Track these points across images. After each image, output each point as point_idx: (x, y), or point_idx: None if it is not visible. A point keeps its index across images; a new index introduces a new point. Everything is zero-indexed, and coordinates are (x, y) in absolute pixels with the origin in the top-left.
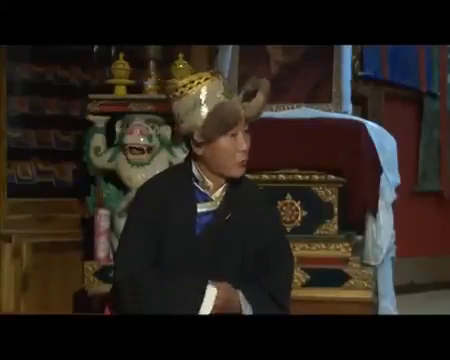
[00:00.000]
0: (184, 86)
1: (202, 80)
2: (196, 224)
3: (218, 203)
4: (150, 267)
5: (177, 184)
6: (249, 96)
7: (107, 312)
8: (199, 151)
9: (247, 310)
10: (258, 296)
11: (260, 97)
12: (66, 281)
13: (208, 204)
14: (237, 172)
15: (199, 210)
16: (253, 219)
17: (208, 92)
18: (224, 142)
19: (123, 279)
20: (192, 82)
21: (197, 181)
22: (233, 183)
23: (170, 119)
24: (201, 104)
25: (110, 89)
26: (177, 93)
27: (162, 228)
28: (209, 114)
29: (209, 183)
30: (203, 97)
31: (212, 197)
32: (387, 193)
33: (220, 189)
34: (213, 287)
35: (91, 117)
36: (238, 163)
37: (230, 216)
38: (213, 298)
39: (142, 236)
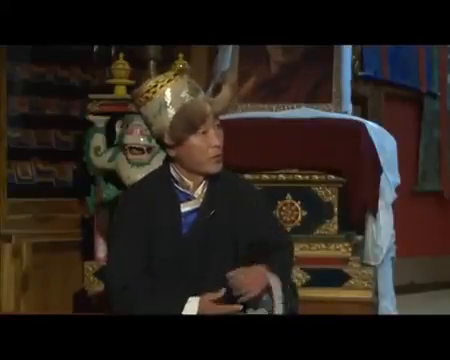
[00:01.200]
0: (148, 91)
1: (165, 82)
2: (182, 224)
3: (201, 200)
4: (141, 276)
5: (158, 187)
6: (217, 90)
7: None
8: (172, 152)
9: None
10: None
11: (225, 91)
12: (66, 281)
13: (191, 203)
14: (213, 168)
15: (183, 209)
16: (240, 209)
17: (172, 93)
18: (195, 140)
19: (115, 288)
20: (155, 85)
21: (177, 182)
22: (213, 178)
23: None
24: (167, 106)
25: (110, 89)
26: (142, 98)
27: (149, 232)
28: (175, 116)
29: (188, 182)
30: (168, 99)
31: (194, 195)
32: (387, 193)
33: (201, 186)
34: (194, 301)
35: (91, 117)
36: (212, 159)
37: (215, 211)
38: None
39: (131, 243)
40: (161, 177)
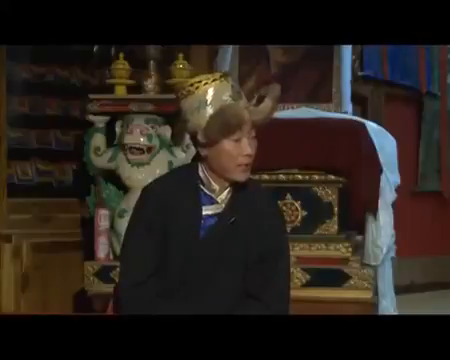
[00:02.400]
0: (192, 85)
1: (210, 81)
2: (201, 226)
3: (223, 206)
4: (153, 276)
5: (183, 185)
6: (260, 101)
7: (110, 308)
8: (204, 151)
9: None
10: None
11: (268, 102)
12: (66, 281)
13: (213, 207)
14: (240, 176)
15: (204, 213)
16: (258, 222)
17: (214, 93)
18: (227, 145)
19: (126, 288)
20: (200, 82)
21: (203, 183)
22: (239, 186)
23: (170, 119)
24: (206, 104)
25: (110, 89)
26: (184, 91)
27: (166, 230)
28: (212, 115)
29: (215, 186)
30: (209, 98)
31: (218, 200)
32: (387, 193)
33: (225, 192)
34: None
35: (91, 117)
36: (241, 166)
37: (235, 219)
38: None
39: (145, 242)
40: (188, 176)
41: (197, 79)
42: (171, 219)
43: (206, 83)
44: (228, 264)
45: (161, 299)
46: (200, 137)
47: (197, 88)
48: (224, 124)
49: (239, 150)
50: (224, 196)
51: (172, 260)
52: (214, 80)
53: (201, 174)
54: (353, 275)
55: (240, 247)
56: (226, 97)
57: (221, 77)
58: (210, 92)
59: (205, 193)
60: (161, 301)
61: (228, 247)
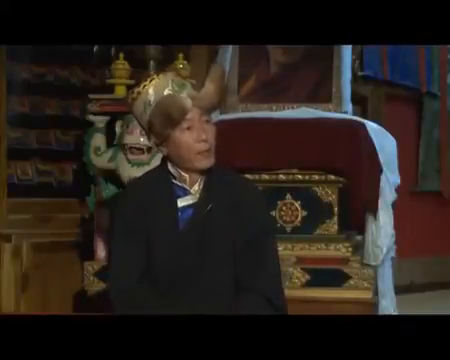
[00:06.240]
0: (132, 92)
1: (148, 82)
2: (179, 219)
3: (198, 196)
4: (142, 277)
5: (156, 184)
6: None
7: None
8: (163, 150)
9: None
10: (253, 308)
11: (209, 85)
12: (66, 281)
13: (188, 198)
14: (203, 163)
15: (180, 205)
16: (235, 204)
17: (154, 91)
18: (181, 136)
19: (117, 295)
20: (140, 86)
21: (174, 177)
22: (211, 174)
23: None
24: (150, 105)
25: (110, 89)
26: (130, 100)
27: (148, 229)
28: (151, 111)
29: (185, 176)
30: (151, 97)
31: (191, 191)
32: (387, 193)
33: (198, 182)
34: None
35: (91, 117)
36: (200, 154)
37: (211, 207)
38: None
39: (130, 246)
40: (159, 174)
41: (139, 85)
42: (150, 218)
43: (145, 85)
44: (214, 255)
45: (152, 301)
46: (152, 137)
47: (139, 93)
48: (164, 116)
49: (193, 138)
50: (197, 186)
51: (158, 258)
52: (152, 80)
53: (171, 169)
54: (353, 275)
55: (223, 234)
56: (167, 91)
57: (159, 75)
58: (150, 92)
59: (178, 186)
60: (152, 303)
61: (210, 236)
